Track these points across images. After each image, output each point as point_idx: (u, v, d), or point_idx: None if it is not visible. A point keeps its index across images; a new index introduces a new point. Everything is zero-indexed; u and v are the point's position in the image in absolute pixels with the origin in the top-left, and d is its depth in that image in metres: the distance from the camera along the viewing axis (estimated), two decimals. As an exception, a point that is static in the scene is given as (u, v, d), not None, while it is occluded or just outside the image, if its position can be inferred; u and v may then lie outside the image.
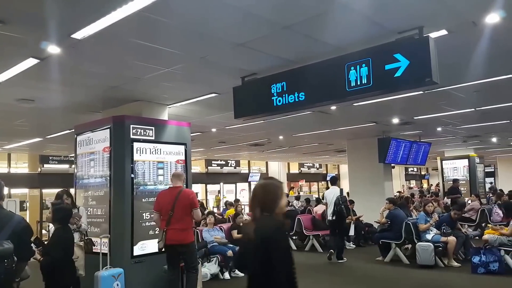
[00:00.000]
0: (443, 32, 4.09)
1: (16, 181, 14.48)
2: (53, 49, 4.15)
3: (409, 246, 8.09)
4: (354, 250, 9.61)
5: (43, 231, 12.23)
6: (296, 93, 4.66)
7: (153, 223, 5.89)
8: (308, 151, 16.98)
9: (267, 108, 4.97)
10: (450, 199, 12.91)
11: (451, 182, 14.46)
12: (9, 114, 7.25)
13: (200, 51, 4.48)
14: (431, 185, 23.65)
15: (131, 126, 5.88)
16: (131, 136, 5.86)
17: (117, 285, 5.34)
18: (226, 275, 7.00)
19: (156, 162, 6.10)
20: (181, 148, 6.41)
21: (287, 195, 16.68)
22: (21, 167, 15.25)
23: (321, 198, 12.30)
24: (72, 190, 6.16)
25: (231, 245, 7.29)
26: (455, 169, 16.52)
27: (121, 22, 3.55)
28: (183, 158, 6.42)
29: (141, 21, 3.62)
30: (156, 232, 5.90)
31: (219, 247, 7.15)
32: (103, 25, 3.62)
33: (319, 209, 11.23)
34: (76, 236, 5.07)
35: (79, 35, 3.81)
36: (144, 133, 6.02)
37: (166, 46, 4.27)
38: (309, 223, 9.83)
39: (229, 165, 20.85)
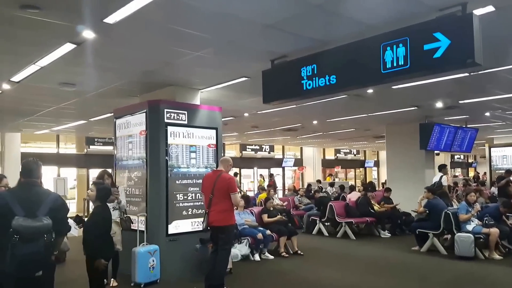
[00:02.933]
0: (490, 8, 3.81)
1: (65, 161, 15.37)
2: (88, 34, 4.31)
3: (448, 236, 7.80)
4: (389, 239, 9.41)
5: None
6: (327, 76, 4.54)
7: (186, 203, 6.11)
8: (344, 137, 16.66)
9: (297, 92, 4.88)
10: (498, 189, 12.17)
11: (502, 172, 13.54)
12: (54, 97, 7.67)
13: (229, 34, 4.47)
14: (478, 173, 22.47)
15: (165, 110, 6.03)
16: (165, 120, 6.02)
17: (153, 260, 5.61)
18: (256, 257, 7.14)
19: (188, 146, 6.23)
20: (213, 132, 6.50)
21: (320, 181, 16.53)
22: (70, 148, 16.14)
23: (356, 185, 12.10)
24: (113, 171, 6.51)
25: (261, 228, 7.42)
26: (505, 157, 15.53)
27: (151, 6, 3.60)
28: (215, 142, 6.51)
29: (170, 4, 3.67)
30: (189, 213, 6.12)
31: (249, 229, 7.29)
32: (132, 9, 3.69)
33: (353, 196, 11.07)
34: (116, 213, 5.37)
35: (111, 19, 3.92)
36: (177, 117, 6.16)
37: (195, 30, 4.30)
38: (342, 210, 9.71)
39: (263, 150, 20.91)
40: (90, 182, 15.05)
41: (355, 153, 25.74)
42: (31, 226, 3.07)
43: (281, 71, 5.07)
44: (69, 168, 15.77)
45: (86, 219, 4.70)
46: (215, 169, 5.62)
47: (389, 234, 9.67)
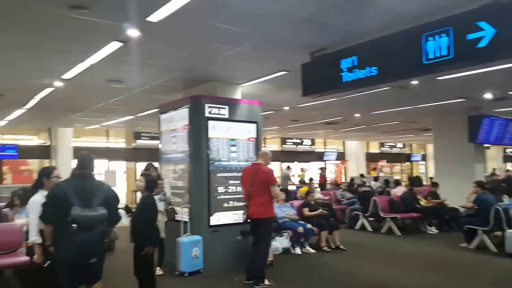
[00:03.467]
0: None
1: (114, 154, 16.13)
2: (133, 33, 4.50)
3: (499, 233, 7.43)
4: (436, 235, 9.11)
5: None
6: (367, 67, 4.47)
7: (227, 196, 6.26)
8: (389, 130, 16.17)
9: (336, 84, 4.84)
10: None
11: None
12: (103, 94, 8.09)
13: (267, 28, 4.50)
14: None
15: (207, 105, 6.19)
16: (206, 115, 6.18)
17: (196, 250, 5.80)
18: (297, 250, 7.14)
19: (229, 140, 6.36)
20: (253, 126, 6.57)
21: (363, 175, 16.19)
22: (119, 142, 16.92)
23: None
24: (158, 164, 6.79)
25: (302, 222, 7.42)
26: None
27: (191, 4, 3.72)
28: (255, 136, 6.59)
29: (209, 1, 3.77)
30: (230, 205, 6.26)
31: (290, 223, 7.30)
32: (174, 7, 3.83)
33: (398, 190, 10.77)
34: (161, 204, 5.61)
35: (154, 17, 4.08)
36: (218, 112, 6.29)
37: (234, 25, 4.38)
38: (386, 205, 9.48)
39: (304, 143, 20.76)
40: (138, 175, 15.71)
41: (400, 146, 24.90)
42: (89, 216, 3.30)
43: (321, 63, 5.05)
44: (118, 162, 16.54)
45: (133, 209, 4.96)
46: (254, 162, 5.70)
47: (436, 230, 9.35)
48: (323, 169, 19.28)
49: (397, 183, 12.17)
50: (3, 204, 6.97)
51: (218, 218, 6.15)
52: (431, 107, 10.03)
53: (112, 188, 3.74)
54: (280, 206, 7.37)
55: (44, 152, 14.94)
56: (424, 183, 15.84)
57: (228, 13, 4.08)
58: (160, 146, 7.08)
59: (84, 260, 3.39)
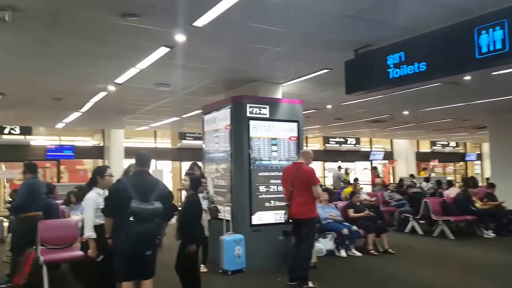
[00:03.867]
0: None
1: (161, 154, 16.72)
2: (179, 38, 4.68)
3: None
4: (493, 239, 8.57)
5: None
6: (415, 63, 4.35)
7: (268, 195, 6.28)
8: (440, 128, 15.40)
9: (382, 81, 4.73)
10: None
11: None
12: (151, 97, 8.43)
13: (308, 27, 4.49)
14: None
15: (248, 105, 6.26)
16: (248, 115, 6.25)
17: (239, 249, 5.87)
18: (343, 253, 6.97)
19: (270, 139, 6.38)
20: (294, 125, 6.55)
21: (413, 176, 15.56)
22: (165, 142, 17.52)
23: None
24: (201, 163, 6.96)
25: (347, 224, 7.23)
26: None
27: (233, 8, 3.81)
28: (296, 135, 6.55)
29: (250, 3, 3.82)
30: (272, 205, 6.28)
31: (334, 224, 7.14)
32: (217, 12, 3.94)
33: (451, 192, 10.25)
34: (205, 203, 5.75)
35: (199, 23, 4.22)
36: (259, 111, 6.34)
37: (275, 26, 4.42)
38: (439, 207, 9.04)
39: (348, 142, 20.26)
40: (183, 174, 16.18)
41: (453, 145, 23.62)
42: (146, 209, 3.51)
43: (366, 60, 4.95)
44: (165, 161, 17.12)
45: (179, 208, 5.12)
46: (295, 161, 5.68)
47: (494, 234, 8.80)
48: (376, 169, 18.67)
49: (450, 184, 11.59)
50: (60, 201, 7.44)
51: (259, 218, 6.18)
52: (486, 103, 9.45)
53: (166, 185, 3.94)
54: (323, 207, 7.24)
55: (98, 152, 15.80)
56: (480, 184, 14.98)
57: (269, 14, 4.12)
58: (203, 146, 7.25)
59: (141, 251, 3.60)
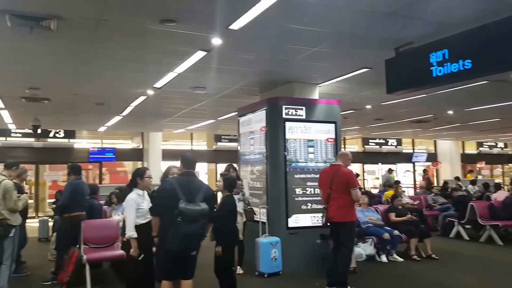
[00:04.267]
0: None
1: (197, 156, 16.95)
2: (216, 41, 4.73)
3: None
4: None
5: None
6: (460, 61, 4.13)
7: (305, 198, 6.20)
8: (488, 128, 14.62)
9: (425, 80, 4.54)
10: None
11: None
12: (188, 100, 8.57)
13: (347, 26, 4.41)
14: None
15: (284, 106, 6.22)
16: (284, 116, 6.21)
17: (275, 252, 5.83)
18: (383, 258, 6.76)
19: (306, 141, 6.31)
20: (331, 126, 6.45)
21: (459, 178, 14.88)
22: (201, 144, 17.79)
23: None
24: (237, 165, 6.99)
25: (388, 228, 7.00)
26: None
27: (269, 10, 3.79)
28: (333, 136, 6.45)
29: (287, 4, 3.78)
30: (308, 207, 6.20)
31: (374, 228, 6.94)
32: (254, 14, 3.94)
33: (499, 195, 9.71)
34: (240, 205, 5.76)
35: (235, 26, 4.24)
36: (295, 113, 6.29)
37: (312, 26, 4.36)
38: (486, 211, 8.59)
39: (389, 144, 19.66)
40: (218, 176, 16.33)
41: (502, 146, 22.36)
42: (193, 209, 3.59)
43: (407, 58, 4.78)
44: (201, 163, 17.37)
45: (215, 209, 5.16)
46: (332, 163, 5.57)
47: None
48: (426, 171, 18.01)
49: (498, 187, 10.99)
50: (102, 202, 7.71)
51: (296, 220, 6.12)
52: (537, 102, 8.89)
53: (210, 187, 4.02)
54: (362, 210, 7.08)
55: (137, 154, 16.28)
56: (531, 187, 14.10)
57: (306, 15, 4.07)
58: (238, 148, 7.28)
59: (186, 251, 3.69)
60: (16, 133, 13.95)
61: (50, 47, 4.98)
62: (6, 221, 4.79)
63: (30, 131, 11.73)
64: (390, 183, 11.75)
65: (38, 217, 11.98)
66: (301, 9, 3.92)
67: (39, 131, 11.11)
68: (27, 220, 6.37)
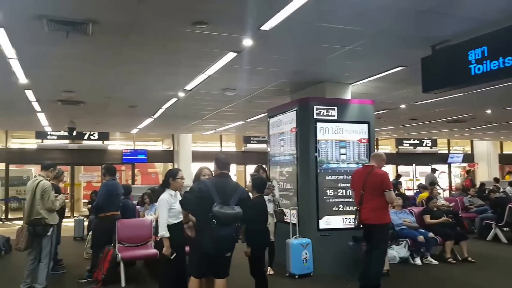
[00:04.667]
0: None
1: (227, 158, 17.07)
2: (247, 42, 4.72)
3: None
4: None
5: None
6: (500, 58, 3.95)
7: (336, 199, 6.11)
8: (527, 127, 13.96)
9: (463, 78, 4.38)
10: None
11: None
12: (218, 102, 8.62)
13: (381, 24, 4.30)
14: None
15: (315, 107, 6.15)
16: (315, 117, 6.14)
17: (306, 253, 5.79)
18: (418, 261, 6.63)
19: (338, 141, 6.21)
20: (364, 126, 6.32)
21: (498, 180, 14.23)
22: (230, 146, 17.90)
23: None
24: (267, 166, 6.97)
25: (423, 230, 6.85)
26: None
27: (302, 8, 3.74)
28: (366, 137, 6.32)
29: (321, 2, 3.73)
30: (340, 209, 6.09)
31: (408, 230, 6.81)
32: (285, 14, 3.89)
33: (540, 197, 9.24)
34: (271, 206, 5.73)
35: (267, 26, 4.21)
36: (327, 113, 6.20)
37: (345, 24, 4.28)
38: (525, 214, 8.20)
39: (424, 144, 19.09)
40: (247, 177, 16.38)
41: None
42: (227, 213, 3.59)
43: (444, 56, 4.63)
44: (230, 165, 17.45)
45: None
46: (366, 164, 5.45)
47: None
48: (469, 173, 17.36)
49: (539, 189, 10.46)
50: (135, 202, 7.88)
51: (327, 222, 6.04)
52: None
53: (245, 189, 4.04)
54: (396, 212, 6.96)
55: (168, 156, 16.57)
56: None
57: (339, 13, 4.00)
58: (268, 149, 7.25)
59: (221, 253, 3.72)
60: (52, 135, 14.51)
61: (85, 51, 5.12)
62: (44, 220, 4.96)
63: (66, 133, 12.16)
64: (433, 182, 11.38)
65: (74, 216, 12.44)
66: (334, 7, 3.85)
67: (74, 133, 11.50)
68: (63, 220, 6.58)
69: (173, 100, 8.21)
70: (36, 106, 8.72)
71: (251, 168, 16.63)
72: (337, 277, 5.67)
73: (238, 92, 7.54)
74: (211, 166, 4.65)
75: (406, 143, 18.74)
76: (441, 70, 4.64)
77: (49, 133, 14.28)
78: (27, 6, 3.76)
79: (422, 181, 15.82)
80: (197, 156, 15.56)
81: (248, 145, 16.96)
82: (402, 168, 19.34)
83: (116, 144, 16.17)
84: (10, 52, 4.92)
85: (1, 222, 11.82)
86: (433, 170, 14.31)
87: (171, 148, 16.58)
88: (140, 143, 16.70)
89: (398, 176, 14.80)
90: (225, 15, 4.01)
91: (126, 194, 6.78)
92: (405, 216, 7.10)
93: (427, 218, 7.13)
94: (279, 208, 6.03)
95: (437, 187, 11.53)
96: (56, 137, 14.63)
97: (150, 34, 4.56)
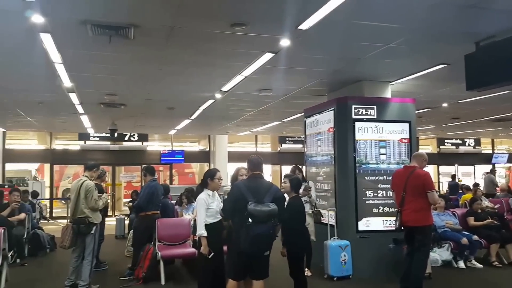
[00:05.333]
0: None
1: (262, 158, 17.11)
2: (284, 42, 4.71)
3: None
4: None
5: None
6: (550, 54, 3.74)
7: (376, 201, 5.97)
8: None
9: (509, 75, 4.18)
10: None
11: None
12: (254, 103, 8.67)
13: (423, 21, 4.18)
14: None
15: (353, 106, 6.03)
16: (353, 116, 6.03)
17: (344, 255, 5.69)
18: (461, 264, 6.42)
19: (378, 141, 6.07)
20: (405, 126, 6.15)
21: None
22: (266, 146, 17.92)
23: None
24: (303, 167, 6.91)
25: (466, 233, 6.61)
26: None
27: (341, 6, 3.68)
28: (407, 136, 6.14)
29: (359, 0, 3.66)
30: (380, 210, 5.94)
31: (451, 233, 6.60)
32: (324, 12, 3.85)
33: None
34: (307, 206, 5.68)
35: (305, 25, 4.17)
36: (366, 112, 6.07)
37: (385, 22, 4.18)
38: None
39: (467, 144, 18.31)
40: (283, 177, 16.30)
41: None
42: (262, 210, 3.62)
43: (489, 53, 4.43)
44: (265, 165, 17.46)
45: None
46: (406, 165, 5.28)
47: None
48: None
49: None
50: (173, 201, 8.05)
51: (367, 224, 5.91)
52: None
53: (279, 188, 4.04)
54: (439, 214, 6.75)
55: (204, 156, 16.82)
56: None
57: (378, 10, 3.91)
58: (304, 149, 7.19)
59: (259, 252, 3.73)
60: (94, 136, 15.10)
61: (127, 55, 5.28)
62: (88, 219, 5.13)
63: (107, 134, 12.59)
64: (495, 183, 10.86)
65: (115, 215, 12.87)
66: (373, 5, 3.77)
67: (115, 134, 11.92)
68: (105, 219, 6.81)
69: (210, 101, 8.32)
70: (80, 109, 9.11)
71: (286, 169, 16.49)
72: (376, 280, 5.55)
73: (274, 93, 7.54)
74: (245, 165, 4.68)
75: (448, 142, 18.12)
76: (485, 68, 4.47)
77: (91, 134, 14.87)
78: (72, 11, 3.92)
79: (465, 182, 15.21)
80: (233, 157, 15.70)
81: (283, 145, 16.91)
82: (443, 169, 18.69)
83: (154, 145, 16.61)
84: (55, 56, 5.16)
85: (46, 221, 12.41)
86: (492, 171, 13.59)
87: (207, 149, 16.82)
88: (178, 144, 17.06)
89: (453, 176, 14.28)
90: (263, 16, 4.02)
91: (165, 194, 6.93)
92: (447, 218, 6.90)
93: (471, 220, 6.91)
94: (315, 209, 5.96)
95: (476, 189, 11.05)
96: (98, 139, 15.21)
97: (189, 37, 4.64)
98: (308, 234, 4.78)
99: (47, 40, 4.55)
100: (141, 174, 6.95)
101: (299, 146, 16.12)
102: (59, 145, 15.86)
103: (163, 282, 5.54)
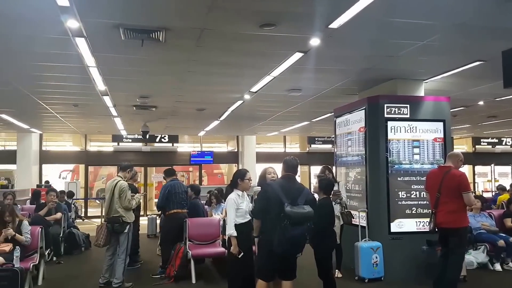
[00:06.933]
0: None
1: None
2: (314, 42, 4.66)
3: None
4: None
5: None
6: None
7: (409, 202, 5.84)
8: None
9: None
10: None
11: None
12: (283, 103, 8.64)
13: (458, 16, 4.04)
14: None
15: (385, 105, 5.92)
16: (385, 115, 5.91)
17: (376, 257, 5.59)
18: (497, 267, 6.26)
19: (411, 141, 5.93)
20: (439, 125, 5.99)
21: None
22: (294, 147, 17.83)
23: None
24: (333, 167, 6.82)
25: (503, 235, 6.41)
26: None
27: (373, 3, 3.62)
28: (442, 136, 5.98)
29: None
30: (413, 212, 5.80)
31: (487, 235, 6.44)
32: (356, 10, 3.78)
33: None
34: (337, 208, 5.60)
35: (335, 24, 4.12)
36: (399, 111, 5.95)
37: (419, 19, 4.08)
38: None
39: (504, 143, 17.57)
40: (311, 178, 16.18)
41: None
42: (299, 212, 3.62)
43: (528, 49, 4.22)
44: (294, 166, 17.34)
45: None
46: (441, 165, 5.12)
47: None
48: None
49: None
50: (203, 202, 8.14)
51: (399, 225, 5.78)
52: None
53: (310, 191, 4.05)
54: (474, 216, 6.56)
55: (233, 157, 16.93)
56: None
57: (411, 7, 3.82)
58: (334, 149, 7.10)
59: (292, 253, 3.74)
60: (127, 138, 15.50)
61: (158, 58, 5.39)
62: (122, 218, 5.27)
63: (139, 136, 12.87)
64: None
65: (147, 215, 13.16)
66: (406, 1, 3.68)
67: (147, 136, 12.19)
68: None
69: (239, 102, 8.37)
70: (113, 111, 9.38)
71: (315, 169, 16.40)
72: (409, 282, 5.45)
73: (303, 92, 7.49)
74: (275, 166, 4.66)
75: (484, 141, 17.46)
76: (525, 64, 4.25)
77: (124, 136, 15.28)
78: (106, 16, 4.04)
79: (502, 182, 14.54)
80: (261, 157, 15.71)
81: (312, 145, 16.77)
82: (479, 169, 18.00)
83: (184, 146, 16.86)
84: (90, 60, 5.33)
85: (82, 220, 12.84)
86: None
87: (236, 150, 16.92)
88: (207, 145, 17.24)
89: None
90: (292, 16, 4.00)
91: (196, 194, 7.02)
92: (483, 219, 6.72)
93: (508, 222, 6.74)
94: (346, 210, 5.87)
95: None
96: (130, 140, 15.60)
97: (218, 39, 4.68)
98: (335, 236, 4.72)
99: (82, 45, 4.70)
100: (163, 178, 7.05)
101: (329, 146, 15.91)
102: (93, 146, 16.37)
103: (194, 281, 5.62)
